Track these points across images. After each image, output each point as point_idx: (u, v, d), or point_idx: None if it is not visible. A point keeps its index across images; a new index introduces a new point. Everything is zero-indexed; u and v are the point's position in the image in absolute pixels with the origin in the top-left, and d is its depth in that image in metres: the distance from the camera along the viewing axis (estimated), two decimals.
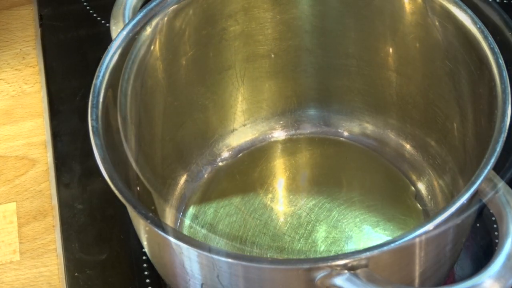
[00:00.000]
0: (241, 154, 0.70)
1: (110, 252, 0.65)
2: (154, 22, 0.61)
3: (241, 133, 0.70)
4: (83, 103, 0.75)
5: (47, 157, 0.72)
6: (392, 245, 0.49)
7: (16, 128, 0.75)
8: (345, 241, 0.63)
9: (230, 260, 0.50)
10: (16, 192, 0.71)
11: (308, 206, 0.66)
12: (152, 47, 0.61)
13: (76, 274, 0.64)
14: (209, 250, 0.50)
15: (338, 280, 0.48)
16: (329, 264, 0.49)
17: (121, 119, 0.57)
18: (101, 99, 0.57)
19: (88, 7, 0.83)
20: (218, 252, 0.50)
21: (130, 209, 0.53)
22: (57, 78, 0.78)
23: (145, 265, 0.64)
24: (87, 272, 0.64)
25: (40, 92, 0.77)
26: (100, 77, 0.58)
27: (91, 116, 0.56)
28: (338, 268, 0.48)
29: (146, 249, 0.59)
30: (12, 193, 0.71)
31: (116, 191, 0.52)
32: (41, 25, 0.82)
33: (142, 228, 0.55)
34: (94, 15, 0.82)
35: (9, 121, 0.76)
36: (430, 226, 0.49)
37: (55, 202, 0.69)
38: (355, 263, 0.49)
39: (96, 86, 0.58)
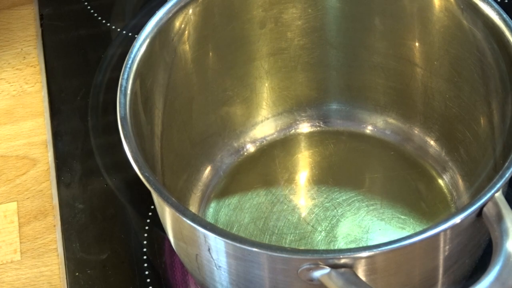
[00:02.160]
0: (265, 147, 0.70)
1: (110, 251, 0.65)
2: (183, 13, 0.61)
3: (265, 125, 0.70)
4: (84, 103, 0.75)
5: (48, 156, 0.73)
6: (394, 245, 0.49)
7: (16, 128, 0.75)
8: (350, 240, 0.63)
9: (253, 249, 0.50)
10: (17, 192, 0.71)
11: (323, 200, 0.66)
12: (181, 38, 0.61)
13: (76, 273, 0.64)
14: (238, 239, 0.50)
15: (337, 280, 0.49)
16: (329, 263, 0.49)
17: (147, 111, 0.57)
18: (129, 90, 0.57)
19: (88, 7, 0.83)
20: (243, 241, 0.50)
21: (156, 196, 0.53)
22: (57, 77, 0.78)
23: (145, 264, 0.64)
24: (87, 272, 0.64)
25: (40, 91, 0.78)
26: (128, 67, 0.58)
27: (119, 105, 0.56)
28: (337, 266, 0.49)
29: (170, 238, 0.58)
30: (13, 192, 0.71)
31: (144, 180, 0.52)
32: (41, 25, 0.82)
33: (168, 216, 0.55)
34: (95, 14, 0.82)
35: (10, 121, 0.76)
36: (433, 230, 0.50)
37: (55, 201, 0.69)
38: (354, 262, 0.49)
39: (124, 75, 0.58)
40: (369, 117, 0.70)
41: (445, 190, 0.66)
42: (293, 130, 0.71)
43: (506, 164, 0.52)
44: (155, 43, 0.60)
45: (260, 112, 0.70)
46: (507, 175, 0.52)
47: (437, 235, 0.50)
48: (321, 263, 0.49)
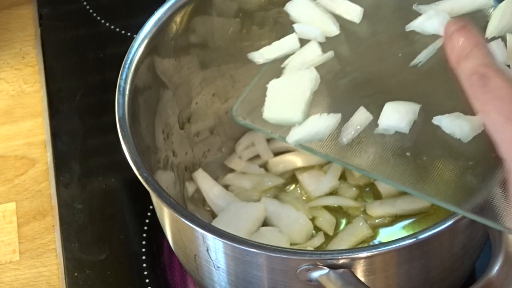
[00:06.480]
0: None
1: (109, 252, 0.65)
2: (181, 13, 0.61)
3: None
4: (83, 103, 0.75)
5: (47, 156, 0.72)
6: (392, 246, 0.49)
7: (15, 128, 0.75)
8: None
9: (252, 249, 0.50)
10: (16, 192, 0.71)
11: None
12: (179, 38, 0.61)
13: (75, 274, 0.64)
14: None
15: (336, 281, 0.49)
16: (327, 263, 0.49)
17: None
18: (127, 90, 0.57)
19: (87, 7, 0.83)
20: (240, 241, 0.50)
21: (154, 197, 0.53)
22: (56, 77, 0.78)
23: (144, 265, 0.64)
24: (86, 272, 0.64)
25: (39, 91, 0.77)
26: (127, 67, 0.58)
27: (118, 105, 0.56)
28: (335, 266, 0.49)
29: (169, 238, 0.58)
30: (11, 192, 0.71)
31: (142, 180, 0.52)
32: (40, 25, 0.82)
33: (167, 216, 0.55)
34: (94, 14, 0.82)
35: (9, 121, 0.76)
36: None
37: (54, 202, 0.69)
38: (352, 262, 0.49)
39: (122, 75, 0.57)
40: None
41: None
42: None
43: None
44: (153, 43, 0.60)
45: None
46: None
47: (436, 236, 0.50)
48: (319, 263, 0.49)
